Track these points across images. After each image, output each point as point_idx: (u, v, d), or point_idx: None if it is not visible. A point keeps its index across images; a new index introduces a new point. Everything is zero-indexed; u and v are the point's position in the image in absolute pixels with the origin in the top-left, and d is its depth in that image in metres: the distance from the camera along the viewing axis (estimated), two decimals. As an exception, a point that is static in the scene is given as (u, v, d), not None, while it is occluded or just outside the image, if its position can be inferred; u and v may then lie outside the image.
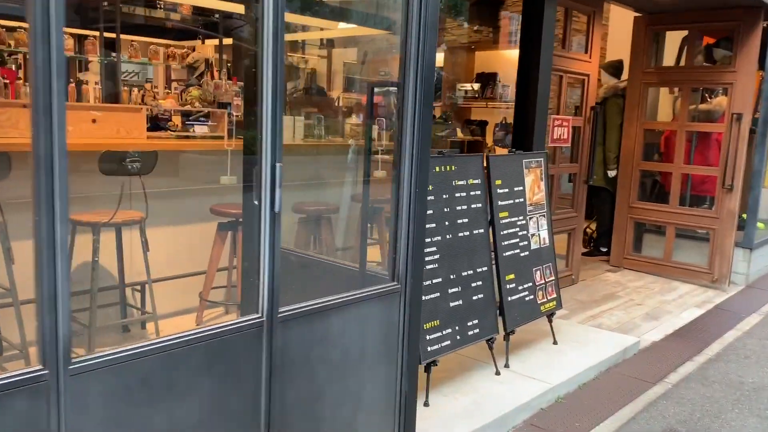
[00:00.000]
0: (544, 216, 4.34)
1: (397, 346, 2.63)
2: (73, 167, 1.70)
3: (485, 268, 3.79)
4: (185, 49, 5.88)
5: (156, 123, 4.67)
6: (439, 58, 9.67)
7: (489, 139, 8.88)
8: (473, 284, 3.69)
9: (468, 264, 3.68)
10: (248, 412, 2.14)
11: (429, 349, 3.38)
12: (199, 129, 4.76)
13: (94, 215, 3.70)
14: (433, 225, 3.47)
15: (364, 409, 2.56)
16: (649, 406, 3.77)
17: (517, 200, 4.11)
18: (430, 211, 3.45)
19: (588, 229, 7.42)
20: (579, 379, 3.97)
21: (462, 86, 9.50)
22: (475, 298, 3.70)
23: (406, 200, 2.56)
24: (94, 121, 4.25)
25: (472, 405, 3.46)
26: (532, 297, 4.16)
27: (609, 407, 3.70)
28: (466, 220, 3.68)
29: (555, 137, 5.43)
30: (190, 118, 5.21)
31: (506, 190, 4.04)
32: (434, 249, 3.47)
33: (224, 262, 4.27)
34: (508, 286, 3.98)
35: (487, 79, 9.11)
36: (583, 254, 7.15)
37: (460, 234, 3.63)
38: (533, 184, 4.27)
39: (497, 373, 3.83)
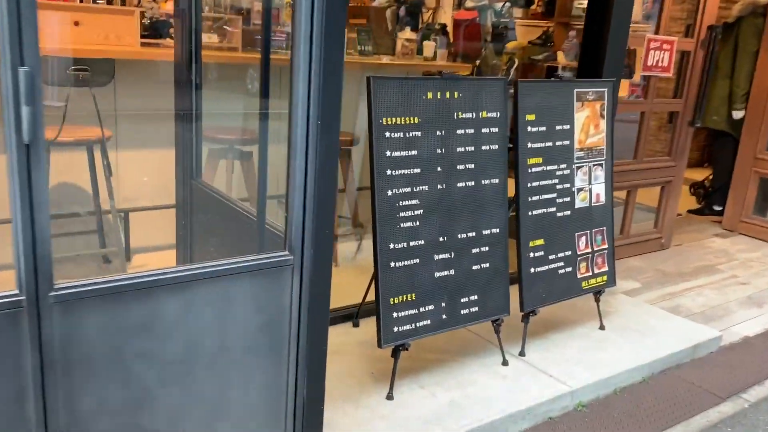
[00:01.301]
0: (601, 165, 3.32)
1: (288, 338, 1.90)
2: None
3: (497, 230, 2.91)
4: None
5: (156, 29, 4.08)
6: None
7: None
8: (474, 250, 2.84)
9: (470, 224, 2.82)
10: (9, 424, 1.55)
11: (396, 329, 2.63)
12: (209, 38, 4.11)
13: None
14: (418, 170, 2.64)
15: (229, 420, 1.89)
16: (706, 431, 2.80)
17: (558, 143, 3.13)
18: (413, 152, 2.62)
19: (705, 181, 6.10)
20: (617, 380, 3.04)
21: (580, 3, 8.17)
22: (475, 267, 2.85)
23: (301, 137, 1.76)
24: (76, 23, 3.74)
25: (451, 404, 2.68)
26: (569, 269, 3.23)
27: (646, 426, 2.77)
28: (471, 166, 2.80)
29: (650, 64, 4.25)
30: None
31: (543, 128, 3.07)
32: (416, 202, 2.64)
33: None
34: (532, 255, 3.07)
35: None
36: (691, 212, 5.91)
37: (460, 184, 2.77)
38: (588, 122, 3.25)
39: (504, 362, 3.01)
